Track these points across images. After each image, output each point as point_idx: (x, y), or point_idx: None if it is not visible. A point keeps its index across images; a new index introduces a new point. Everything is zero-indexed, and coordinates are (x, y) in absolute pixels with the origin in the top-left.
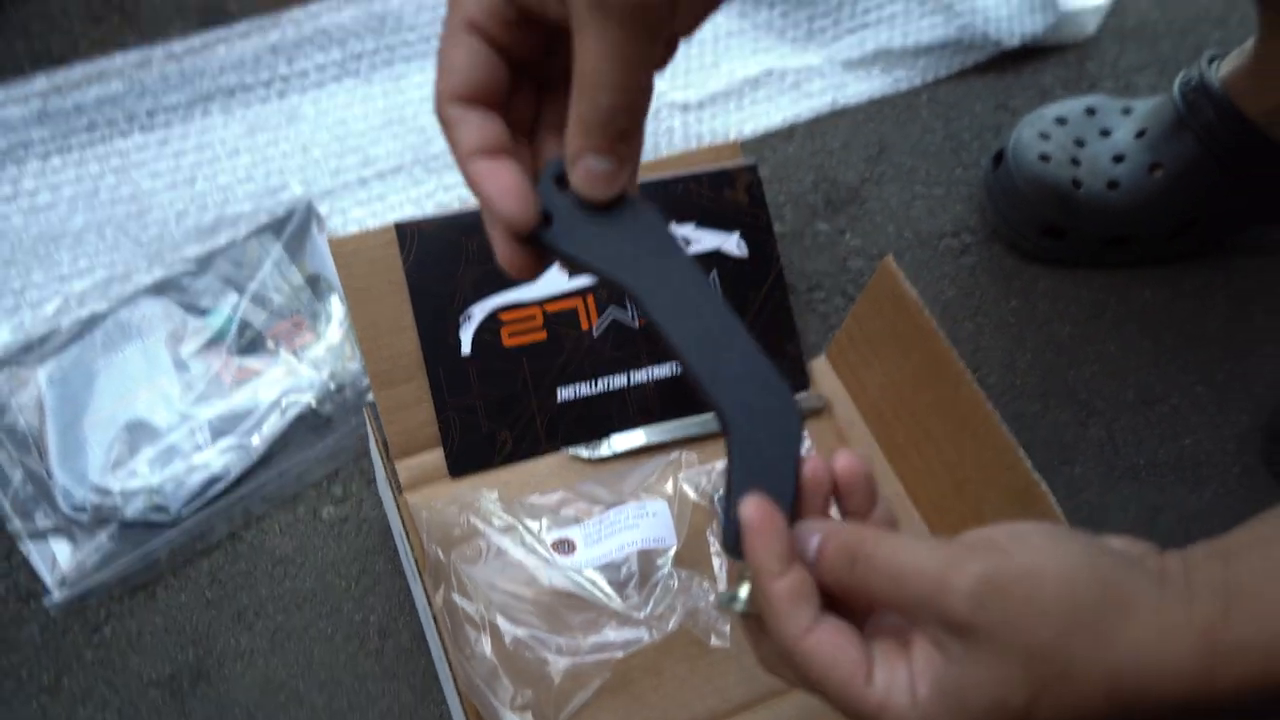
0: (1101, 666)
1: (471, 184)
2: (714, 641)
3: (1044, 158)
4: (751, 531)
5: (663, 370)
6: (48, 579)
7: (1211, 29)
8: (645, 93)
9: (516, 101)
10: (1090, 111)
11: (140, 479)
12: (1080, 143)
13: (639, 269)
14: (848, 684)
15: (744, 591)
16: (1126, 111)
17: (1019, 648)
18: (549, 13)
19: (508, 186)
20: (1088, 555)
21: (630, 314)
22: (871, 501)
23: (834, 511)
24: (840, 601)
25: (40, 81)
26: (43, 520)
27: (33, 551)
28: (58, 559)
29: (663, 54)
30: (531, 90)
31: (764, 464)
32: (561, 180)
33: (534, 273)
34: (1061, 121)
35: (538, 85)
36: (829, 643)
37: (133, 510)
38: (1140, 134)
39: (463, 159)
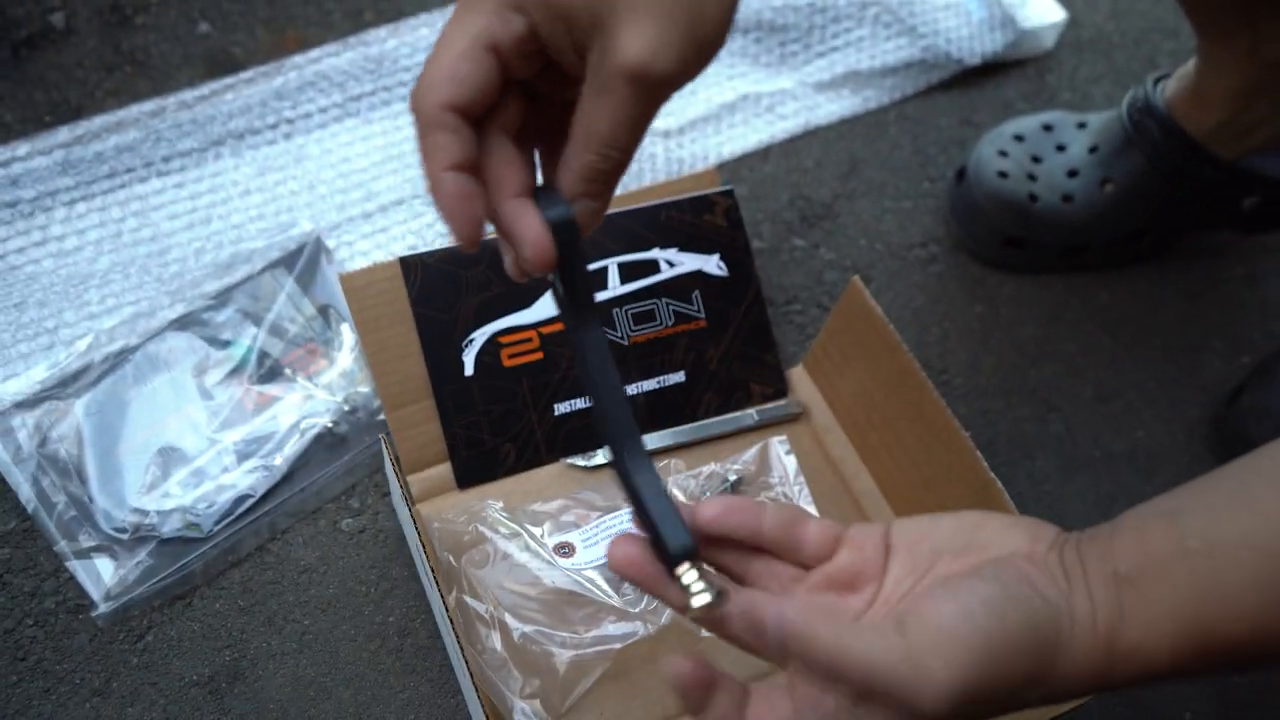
0: (1033, 698)
1: (438, 192)
2: (704, 632)
3: (1002, 174)
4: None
5: (650, 384)
6: (94, 593)
7: (1163, 39)
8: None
9: (507, 108)
10: (1047, 128)
11: (174, 500)
12: (1037, 159)
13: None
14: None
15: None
16: (1081, 126)
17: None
18: (563, 62)
19: (473, 214)
20: (1021, 617)
21: (620, 333)
22: (754, 523)
23: None
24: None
25: (63, 133)
26: (86, 540)
27: (78, 569)
28: (102, 575)
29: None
30: (520, 98)
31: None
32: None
33: (480, 226)
34: (1019, 138)
35: (530, 94)
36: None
37: (168, 528)
38: (1093, 149)
39: (438, 167)
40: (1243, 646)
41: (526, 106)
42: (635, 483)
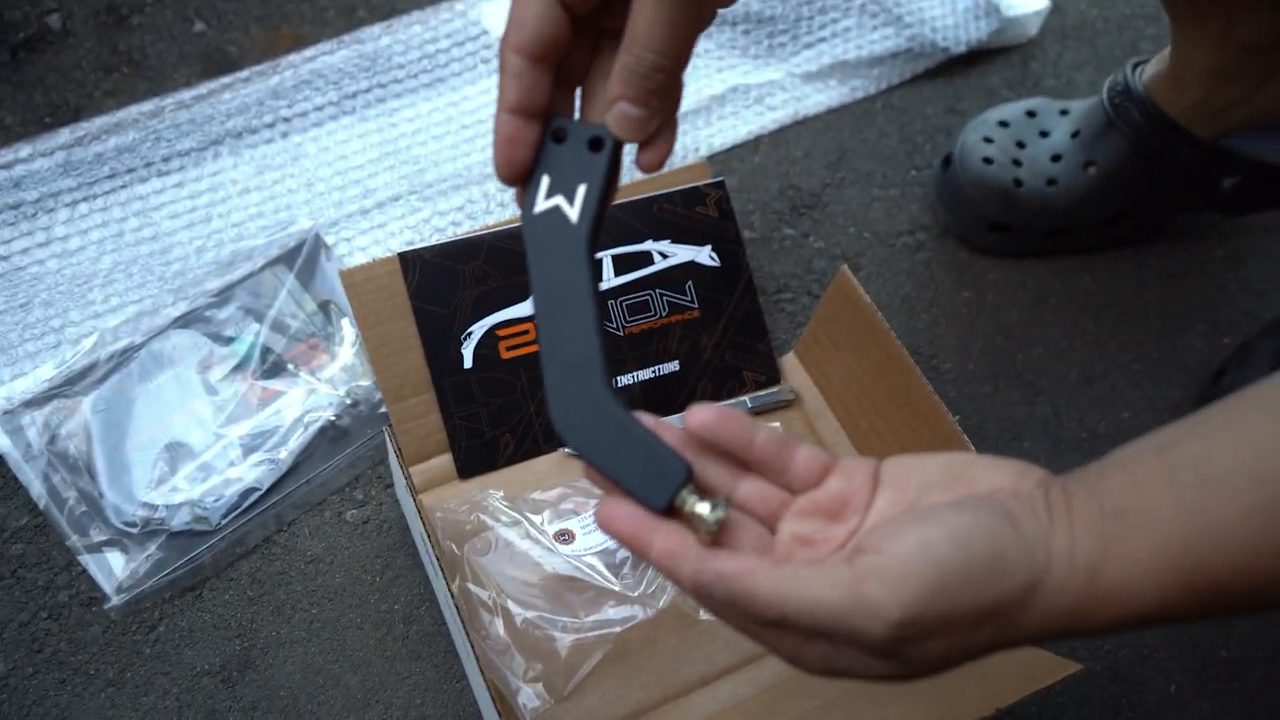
0: (1001, 636)
1: (496, 130)
2: (702, 615)
3: (987, 160)
4: (609, 530)
5: (646, 373)
6: (106, 586)
7: (1146, 25)
8: (684, 56)
9: (573, 51)
10: (1031, 114)
11: (182, 494)
12: (1021, 144)
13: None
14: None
15: (708, 511)
16: (1064, 112)
17: (934, 652)
18: None
19: (514, 158)
20: (987, 550)
21: (615, 325)
22: (746, 435)
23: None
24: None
25: (63, 134)
26: (97, 535)
27: (90, 563)
28: (113, 568)
29: (705, 22)
30: (589, 40)
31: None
32: (556, 136)
33: (520, 168)
34: (1004, 125)
35: (596, 35)
36: (730, 562)
37: (177, 522)
38: (1075, 134)
39: (500, 107)
40: (1232, 582)
41: (591, 48)
42: (618, 420)
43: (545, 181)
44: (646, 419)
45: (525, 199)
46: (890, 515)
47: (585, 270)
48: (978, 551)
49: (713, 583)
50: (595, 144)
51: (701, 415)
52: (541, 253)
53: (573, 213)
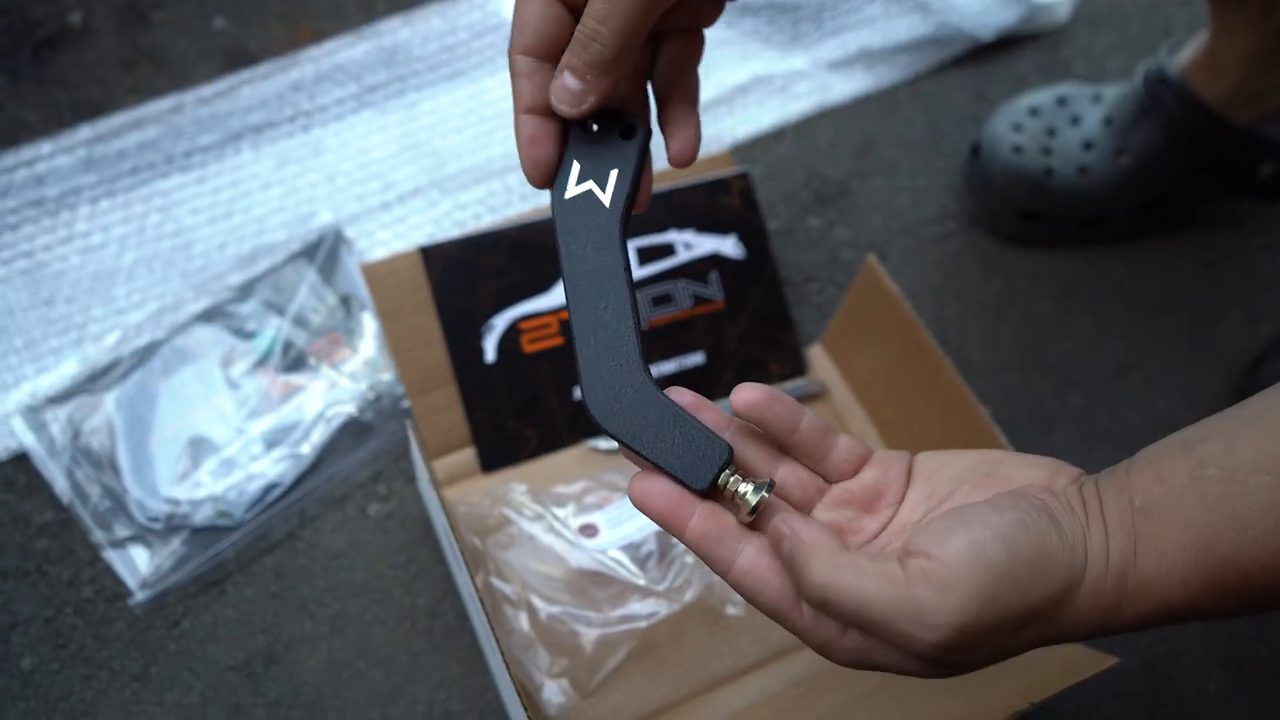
0: (1040, 636)
1: (516, 132)
2: (730, 610)
3: (1017, 149)
4: (643, 506)
5: (669, 366)
6: (130, 582)
7: (1177, 9)
8: (629, 31)
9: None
10: (1061, 101)
11: (205, 489)
12: (1052, 132)
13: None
14: (777, 607)
15: (751, 492)
16: (1096, 99)
17: (976, 658)
18: None
19: (538, 156)
20: (1032, 551)
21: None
22: (792, 419)
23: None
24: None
25: (84, 131)
26: (121, 530)
27: (115, 559)
28: (137, 564)
29: (710, 13)
30: None
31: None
32: (585, 124)
33: (546, 165)
34: (1034, 112)
35: None
36: (750, 574)
37: (201, 517)
38: (1108, 121)
39: (517, 110)
40: (1258, 576)
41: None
42: (656, 402)
43: (576, 168)
44: (684, 395)
45: (555, 186)
46: (922, 510)
47: (619, 253)
48: (1024, 553)
49: (776, 541)
50: (628, 130)
51: (750, 395)
52: (573, 237)
53: (605, 197)
